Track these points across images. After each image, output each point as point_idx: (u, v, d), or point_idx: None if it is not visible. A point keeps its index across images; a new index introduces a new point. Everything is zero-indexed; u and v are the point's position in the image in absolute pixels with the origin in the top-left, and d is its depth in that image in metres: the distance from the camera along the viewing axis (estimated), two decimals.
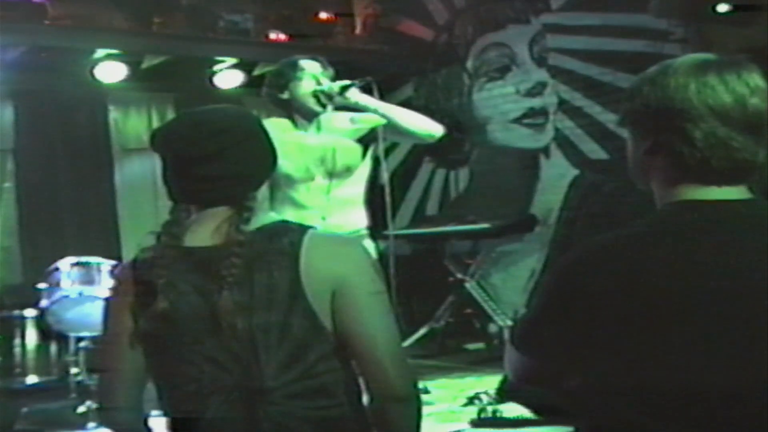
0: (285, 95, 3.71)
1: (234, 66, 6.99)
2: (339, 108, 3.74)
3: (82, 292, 4.71)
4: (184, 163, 1.75)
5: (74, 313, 4.75)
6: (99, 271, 4.83)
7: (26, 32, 6.05)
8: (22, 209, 6.65)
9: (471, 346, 6.74)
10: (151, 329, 1.74)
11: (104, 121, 7.16)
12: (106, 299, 1.90)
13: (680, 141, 1.40)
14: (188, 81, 7.04)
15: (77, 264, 4.83)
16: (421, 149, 7.09)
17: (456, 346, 6.68)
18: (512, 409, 4.10)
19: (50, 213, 6.69)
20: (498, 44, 7.10)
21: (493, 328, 6.73)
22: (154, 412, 1.85)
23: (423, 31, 7.63)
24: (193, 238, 1.76)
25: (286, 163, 3.52)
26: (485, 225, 6.49)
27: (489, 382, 4.65)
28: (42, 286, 4.86)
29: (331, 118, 3.74)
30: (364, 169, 3.77)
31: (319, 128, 3.72)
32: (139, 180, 7.11)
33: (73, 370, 4.82)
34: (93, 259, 4.89)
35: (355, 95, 3.68)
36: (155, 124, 7.17)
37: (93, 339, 4.72)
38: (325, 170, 3.67)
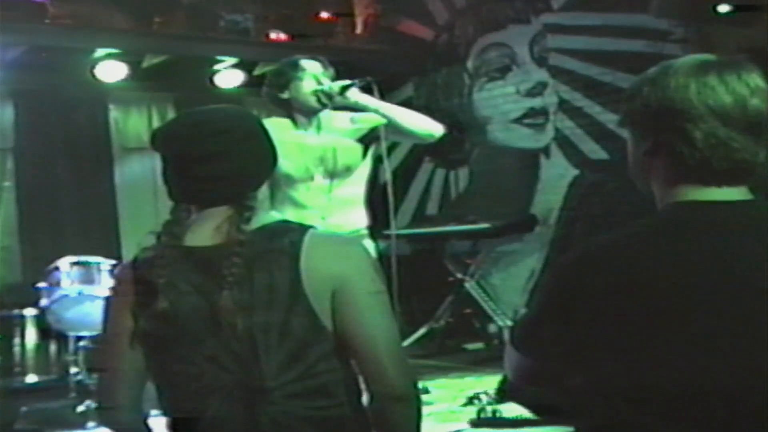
0: (285, 95, 3.71)
1: (234, 65, 6.99)
2: (339, 108, 3.74)
3: (82, 291, 4.71)
4: (185, 163, 1.75)
5: (74, 313, 4.75)
6: (99, 270, 4.84)
7: (27, 31, 6.05)
8: (22, 208, 6.65)
9: (470, 346, 6.74)
10: (151, 329, 1.74)
11: (104, 121, 7.16)
12: (106, 299, 1.90)
13: (680, 141, 1.40)
14: (188, 80, 7.04)
15: (77, 263, 4.83)
16: (421, 149, 7.09)
17: (455, 346, 6.68)
18: (512, 409, 4.10)
19: (50, 212, 6.69)
20: (498, 44, 7.10)
21: (492, 328, 6.73)
22: (154, 412, 1.85)
23: (423, 31, 7.63)
24: (193, 238, 1.77)
25: (286, 163, 3.52)
26: (485, 225, 6.49)
27: (488, 382, 4.65)
28: (42, 285, 4.87)
29: (332, 117, 3.74)
30: (364, 169, 3.77)
31: (319, 128, 3.72)
32: (139, 179, 7.11)
33: (73, 370, 4.82)
34: (93, 259, 4.89)
35: (355, 95, 3.68)
36: (155, 123, 7.17)
37: (92, 338, 4.73)
38: (325, 170, 3.67)
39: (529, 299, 6.65)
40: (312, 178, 3.66)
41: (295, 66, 3.72)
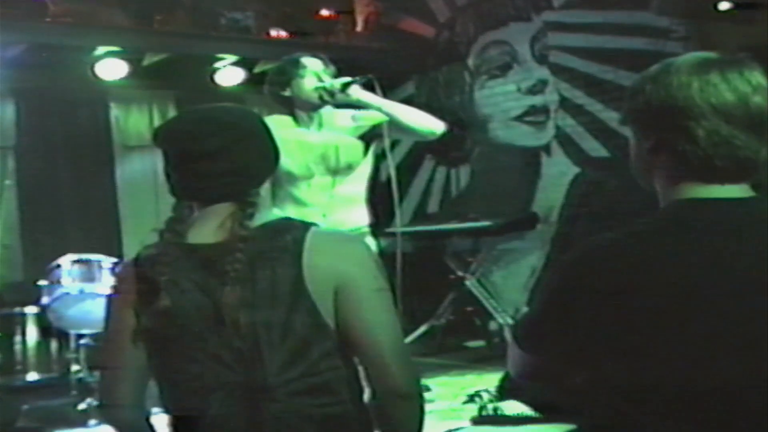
0: (287, 92, 3.71)
1: (235, 63, 6.98)
2: (341, 105, 3.74)
3: (83, 289, 4.70)
4: (188, 159, 1.75)
5: (75, 311, 4.75)
6: (100, 268, 4.83)
7: (27, 30, 6.05)
8: (23, 206, 6.65)
9: (472, 344, 6.74)
10: (154, 326, 1.74)
11: (105, 119, 7.15)
12: (109, 296, 1.90)
13: (683, 139, 1.40)
14: (189, 78, 7.03)
15: (78, 261, 4.83)
16: (422, 147, 7.08)
17: (456, 343, 6.68)
18: (513, 407, 4.09)
19: (51, 210, 6.69)
20: (499, 42, 7.10)
21: (493, 325, 6.73)
22: (156, 410, 1.85)
23: (424, 29, 7.63)
24: (195, 235, 1.77)
25: (287, 161, 3.52)
26: (486, 223, 6.49)
27: (490, 380, 4.64)
28: (43, 283, 4.86)
29: (333, 115, 3.74)
30: (365, 167, 3.77)
31: (320, 125, 3.72)
32: (140, 177, 7.11)
33: (74, 368, 4.82)
34: (94, 257, 4.88)
35: (356, 92, 3.68)
36: (156, 121, 7.17)
37: (94, 336, 4.73)
38: (327, 167, 3.67)
39: (530, 297, 6.65)
40: (313, 176, 3.66)
41: (297, 63, 3.72)
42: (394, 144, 3.77)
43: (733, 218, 1.41)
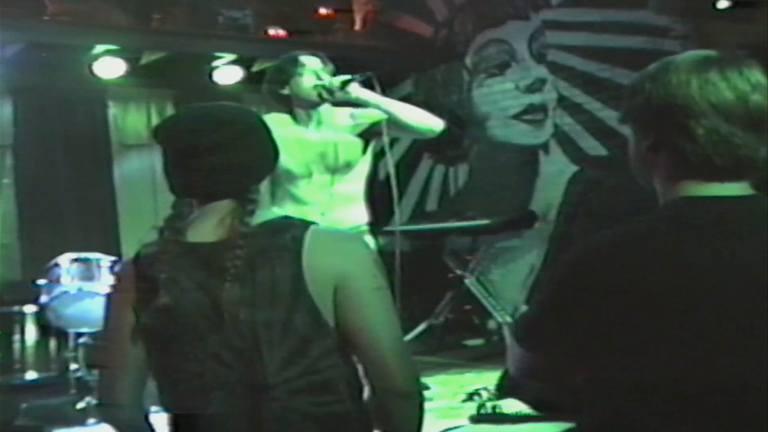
0: (286, 91, 3.71)
1: (233, 62, 6.98)
2: (339, 103, 3.74)
3: (82, 288, 4.70)
4: (187, 156, 1.75)
5: (74, 309, 4.74)
6: (98, 267, 4.82)
7: (25, 28, 6.04)
8: (22, 205, 6.64)
9: (470, 342, 6.74)
10: (153, 325, 1.74)
11: (103, 117, 7.15)
12: (108, 295, 1.90)
13: (682, 138, 1.40)
14: (187, 77, 7.03)
15: (77, 260, 4.82)
16: (421, 145, 7.08)
17: (455, 342, 6.68)
18: (512, 405, 4.09)
19: (49, 209, 6.68)
20: (497, 40, 7.10)
21: (492, 324, 6.73)
22: (155, 408, 1.85)
23: (422, 28, 7.63)
24: (195, 234, 1.77)
25: (286, 159, 3.51)
26: (485, 221, 6.49)
27: (488, 378, 4.64)
28: (41, 282, 4.86)
29: (332, 113, 3.74)
30: (364, 165, 3.77)
31: (319, 124, 3.72)
32: (138, 176, 7.11)
33: (73, 366, 4.81)
34: (92, 255, 4.88)
35: (355, 90, 3.67)
36: (154, 120, 7.17)
37: (92, 335, 4.72)
38: (326, 166, 3.67)
39: (529, 295, 6.66)
40: (312, 174, 3.66)
41: (295, 62, 3.71)
42: (392, 142, 3.76)
43: (732, 216, 1.41)
